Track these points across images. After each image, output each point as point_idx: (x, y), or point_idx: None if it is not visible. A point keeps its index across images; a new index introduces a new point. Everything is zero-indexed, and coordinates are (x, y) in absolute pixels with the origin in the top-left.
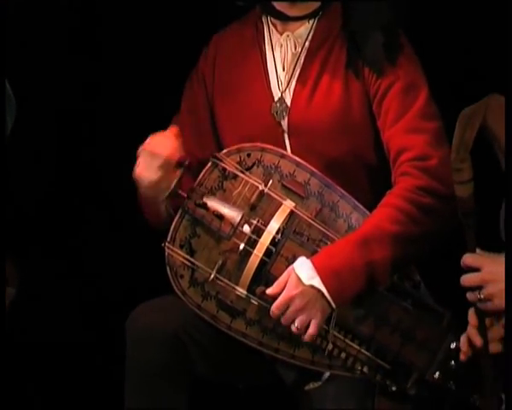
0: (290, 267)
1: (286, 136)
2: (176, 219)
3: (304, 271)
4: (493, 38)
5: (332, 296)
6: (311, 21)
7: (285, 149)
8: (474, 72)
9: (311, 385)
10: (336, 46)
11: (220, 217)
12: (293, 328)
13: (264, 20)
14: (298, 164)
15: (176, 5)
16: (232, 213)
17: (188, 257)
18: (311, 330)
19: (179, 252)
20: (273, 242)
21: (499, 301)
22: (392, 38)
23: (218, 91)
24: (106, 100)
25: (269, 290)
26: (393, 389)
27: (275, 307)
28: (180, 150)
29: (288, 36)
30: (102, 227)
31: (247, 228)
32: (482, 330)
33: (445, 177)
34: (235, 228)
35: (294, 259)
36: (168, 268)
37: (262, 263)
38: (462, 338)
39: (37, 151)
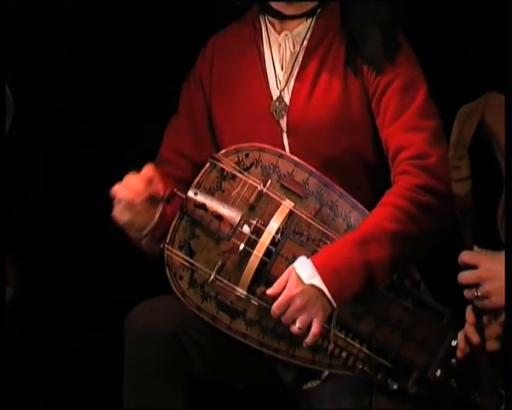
0: (290, 267)
1: (284, 135)
2: (175, 221)
3: (304, 270)
4: (492, 37)
5: (332, 295)
6: (308, 20)
7: (283, 148)
8: (472, 70)
9: (310, 384)
10: (335, 44)
11: (219, 218)
12: (295, 328)
13: (261, 19)
14: (296, 164)
15: (176, 6)
16: (231, 214)
17: (187, 258)
18: (314, 329)
19: (178, 253)
20: (273, 242)
21: (496, 299)
22: (390, 36)
23: (215, 92)
24: (106, 100)
25: (269, 291)
26: (394, 387)
27: (275, 307)
28: (154, 189)
29: (286, 35)
30: (102, 227)
31: (246, 228)
32: (479, 327)
33: (444, 175)
34: (235, 228)
35: (294, 259)
36: (167, 269)
37: (262, 263)
38: (460, 335)
39: (37, 151)
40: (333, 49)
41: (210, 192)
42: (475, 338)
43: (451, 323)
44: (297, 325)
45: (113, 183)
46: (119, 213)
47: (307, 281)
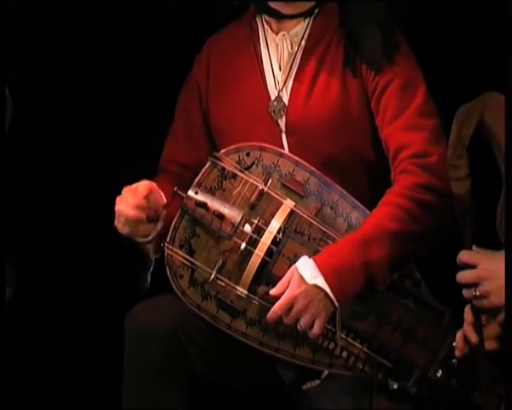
0: (293, 267)
1: (283, 135)
2: (175, 220)
3: (307, 270)
4: (491, 36)
5: (335, 295)
6: (306, 20)
7: (282, 148)
8: (471, 69)
9: (309, 384)
10: (333, 44)
11: (220, 217)
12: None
13: (258, 19)
14: (297, 163)
15: (176, 6)
16: (233, 213)
17: (187, 257)
18: (316, 329)
19: (179, 252)
20: (274, 241)
21: (495, 299)
22: (389, 35)
23: (213, 93)
24: (106, 100)
25: (272, 291)
26: (395, 387)
27: (277, 307)
28: (149, 207)
29: (283, 35)
30: (102, 226)
31: (248, 228)
32: (478, 327)
33: (445, 174)
34: (236, 228)
35: (296, 258)
36: (168, 268)
37: (263, 263)
38: (458, 334)
39: (36, 151)
40: (331, 48)
41: (211, 191)
42: (474, 338)
43: (452, 323)
44: (299, 325)
45: (112, 182)
46: (120, 226)
47: (310, 281)
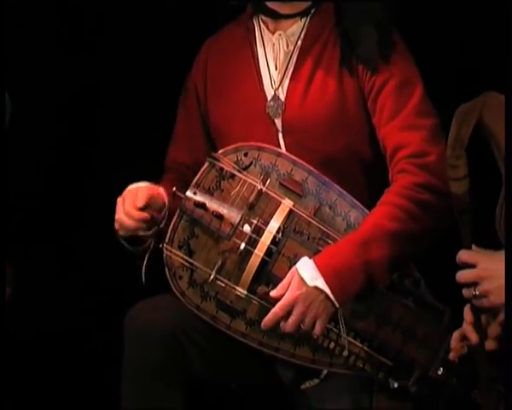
0: (293, 268)
1: (280, 135)
2: (174, 220)
3: (307, 271)
4: (491, 35)
5: (335, 296)
6: (303, 20)
7: (280, 147)
8: (470, 69)
9: (309, 384)
10: (329, 44)
11: (219, 217)
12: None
13: (254, 19)
14: (295, 163)
15: (175, 7)
16: (232, 213)
17: (186, 258)
18: (317, 330)
19: (178, 253)
20: (274, 241)
21: (495, 298)
22: (385, 35)
23: (211, 94)
24: (105, 100)
25: (273, 293)
26: (395, 386)
27: (279, 308)
28: (149, 214)
29: (280, 35)
30: (101, 226)
31: (247, 228)
32: (478, 327)
33: (443, 173)
34: (236, 228)
35: (296, 258)
36: (167, 269)
37: (263, 263)
38: (454, 334)
39: (36, 151)
40: (328, 48)
41: (209, 191)
42: (474, 337)
43: (452, 322)
44: (301, 326)
45: (112, 182)
46: (121, 230)
47: (310, 283)
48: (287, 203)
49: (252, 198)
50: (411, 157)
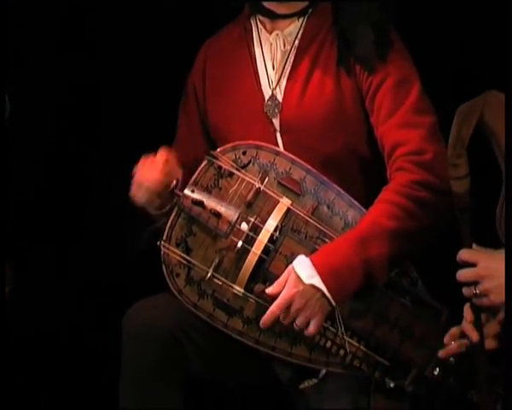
0: (290, 266)
1: (278, 134)
2: (172, 218)
3: (303, 269)
4: (489, 34)
5: (332, 294)
6: (300, 19)
7: (277, 147)
8: (470, 68)
9: (307, 383)
10: (326, 43)
11: (217, 215)
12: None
13: (252, 19)
14: (293, 161)
15: (175, 7)
16: (229, 211)
17: (184, 256)
18: (312, 329)
19: (175, 250)
20: (271, 239)
21: (495, 297)
22: (382, 34)
23: (209, 95)
24: (105, 99)
25: (269, 290)
26: (392, 386)
27: (275, 307)
28: (169, 175)
29: (277, 34)
30: (101, 226)
31: (244, 226)
32: (477, 325)
33: (441, 171)
34: (233, 226)
35: (293, 256)
36: (164, 267)
37: (260, 261)
38: (452, 330)
39: (36, 151)
40: (325, 47)
41: (207, 190)
42: (474, 336)
43: (449, 321)
44: (296, 324)
45: (112, 182)
46: (138, 195)
47: (307, 281)
48: (284, 202)
49: (250, 196)
50: (409, 155)
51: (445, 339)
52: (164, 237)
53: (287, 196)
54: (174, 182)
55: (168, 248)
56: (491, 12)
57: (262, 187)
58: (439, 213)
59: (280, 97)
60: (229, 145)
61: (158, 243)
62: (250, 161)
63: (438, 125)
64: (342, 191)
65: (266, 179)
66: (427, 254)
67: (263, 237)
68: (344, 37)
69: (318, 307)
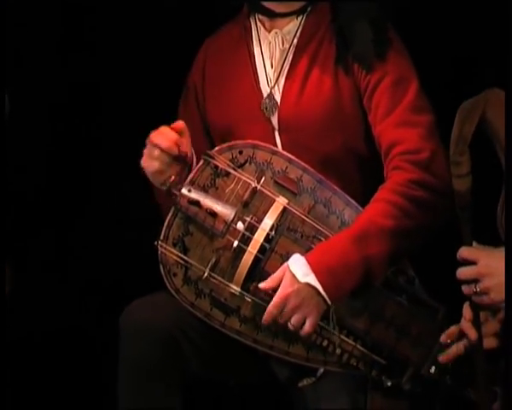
0: (284, 265)
1: (276, 133)
2: (169, 217)
3: (298, 268)
4: (489, 32)
5: (327, 293)
6: (299, 18)
7: (276, 146)
8: (469, 66)
9: (305, 382)
10: (325, 42)
11: (213, 214)
12: (289, 326)
13: (251, 18)
14: (290, 160)
15: (175, 6)
16: (225, 211)
17: (181, 255)
18: (307, 328)
19: (172, 250)
20: (267, 239)
21: (495, 295)
22: (380, 32)
23: (209, 93)
24: (104, 99)
25: (262, 284)
26: (388, 384)
27: (272, 307)
28: (182, 145)
29: (276, 33)
30: (100, 225)
31: (240, 225)
32: (477, 324)
33: (438, 170)
34: (229, 225)
35: (288, 255)
36: (161, 266)
37: (256, 260)
38: (452, 329)
39: (35, 151)
40: (323, 46)
41: (204, 189)
42: (473, 335)
43: (446, 319)
44: (291, 323)
45: (111, 182)
46: (150, 161)
47: (302, 279)
48: (281, 201)
49: (246, 196)
50: (406, 154)
51: (442, 338)
52: (161, 237)
53: (283, 196)
54: (172, 177)
55: (165, 248)
56: (491, 10)
57: (258, 187)
58: (436, 213)
59: (278, 96)
60: (225, 145)
61: (155, 242)
62: (247, 161)
63: (436, 123)
64: (339, 190)
65: (263, 179)
66: (425, 252)
67: (259, 237)
68: (342, 35)
69: (313, 305)
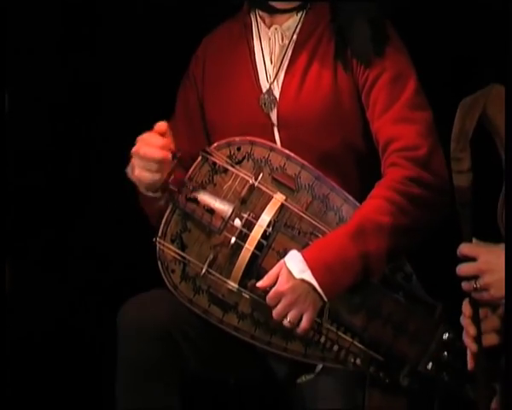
0: (281, 261)
1: (275, 129)
2: (167, 214)
3: (295, 264)
4: (489, 30)
5: (323, 289)
6: (299, 14)
7: (275, 142)
8: (468, 63)
9: (304, 378)
10: (324, 38)
11: (211, 211)
12: (286, 322)
13: (252, 14)
14: (288, 157)
15: (175, 6)
16: (223, 207)
17: (179, 252)
18: (304, 324)
19: (170, 247)
20: (264, 235)
21: (495, 291)
22: (379, 29)
23: (208, 89)
24: (104, 99)
25: (259, 283)
26: (386, 381)
27: (268, 300)
28: (170, 145)
29: (275, 29)
30: (100, 225)
31: (238, 222)
32: (476, 320)
33: (435, 167)
34: (226, 222)
35: (285, 252)
36: (159, 263)
37: (253, 257)
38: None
39: (35, 151)
40: (322, 42)
41: (202, 186)
42: (472, 331)
43: (443, 316)
44: (287, 319)
45: (111, 182)
46: (149, 173)
47: (298, 275)
48: (278, 198)
49: (244, 193)
50: (403, 151)
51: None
52: (159, 234)
53: (281, 192)
54: (171, 178)
55: (163, 245)
56: (490, 7)
57: (256, 183)
58: (433, 210)
59: (277, 91)
60: (223, 141)
61: (153, 239)
62: (245, 157)
63: (433, 120)
64: (337, 186)
65: (260, 175)
66: (422, 249)
67: (256, 233)
68: (341, 32)
69: (310, 301)
